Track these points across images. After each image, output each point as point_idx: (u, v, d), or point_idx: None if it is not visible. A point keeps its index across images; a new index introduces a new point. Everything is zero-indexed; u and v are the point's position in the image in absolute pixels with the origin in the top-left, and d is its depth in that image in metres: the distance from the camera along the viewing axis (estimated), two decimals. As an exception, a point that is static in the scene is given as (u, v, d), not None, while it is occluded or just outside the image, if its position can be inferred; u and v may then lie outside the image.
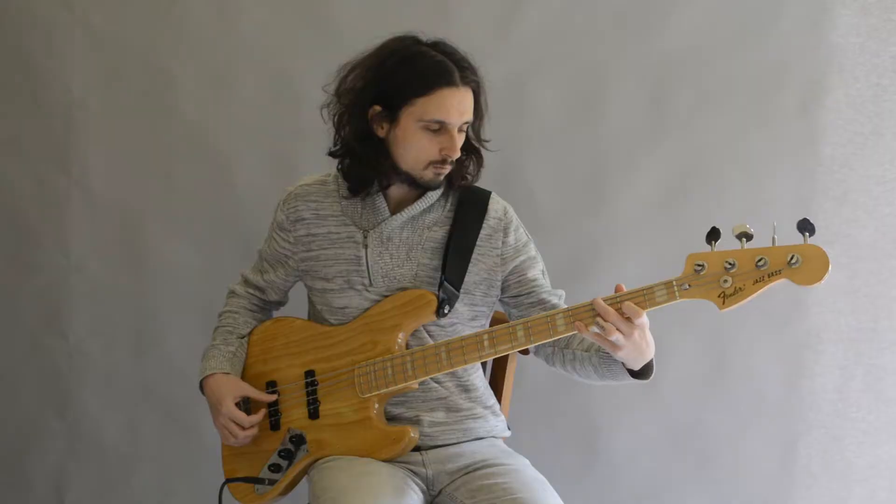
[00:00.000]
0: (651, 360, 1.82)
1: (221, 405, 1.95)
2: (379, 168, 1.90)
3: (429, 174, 1.89)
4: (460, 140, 1.88)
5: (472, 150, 1.95)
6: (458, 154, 1.88)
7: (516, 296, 1.97)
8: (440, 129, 1.84)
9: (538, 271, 1.99)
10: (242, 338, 2.05)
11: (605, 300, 1.73)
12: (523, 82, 2.64)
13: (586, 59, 2.64)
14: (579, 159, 2.66)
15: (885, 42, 2.59)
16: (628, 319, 1.71)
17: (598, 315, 1.72)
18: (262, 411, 1.97)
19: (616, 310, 1.72)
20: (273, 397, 1.97)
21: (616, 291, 1.75)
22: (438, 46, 1.87)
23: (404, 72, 1.83)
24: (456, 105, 1.83)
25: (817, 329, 2.66)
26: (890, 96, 2.60)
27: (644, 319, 1.72)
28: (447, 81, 1.82)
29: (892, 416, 2.66)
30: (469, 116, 1.87)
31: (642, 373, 1.84)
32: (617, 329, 1.71)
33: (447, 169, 1.89)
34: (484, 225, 1.95)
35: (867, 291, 2.64)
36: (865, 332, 2.65)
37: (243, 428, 1.95)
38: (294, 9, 2.66)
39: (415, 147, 1.86)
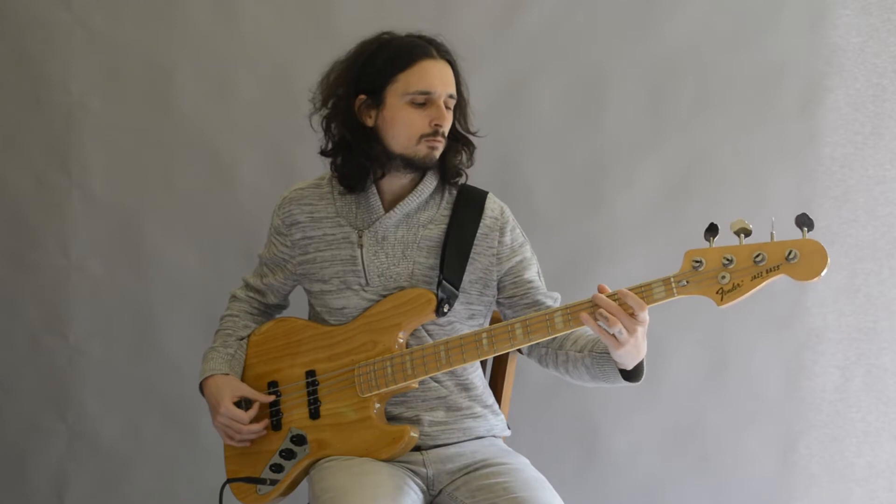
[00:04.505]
0: (642, 361, 1.82)
1: (220, 405, 1.95)
2: (372, 155, 1.90)
3: (423, 150, 1.89)
4: (448, 115, 1.90)
5: (461, 141, 1.96)
6: (448, 123, 1.90)
7: (511, 297, 1.97)
8: (426, 101, 1.86)
9: (534, 273, 1.99)
10: (241, 339, 2.05)
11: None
12: (523, 82, 2.65)
13: (586, 59, 2.64)
14: (579, 159, 2.66)
15: (885, 42, 2.59)
16: (632, 315, 1.70)
17: (601, 308, 1.71)
18: (257, 406, 1.96)
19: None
20: (271, 398, 1.97)
21: (600, 292, 1.73)
22: (410, 34, 1.93)
23: (383, 55, 1.88)
24: (438, 74, 1.87)
25: (817, 329, 2.66)
26: (890, 96, 2.60)
27: (646, 315, 1.71)
28: (425, 53, 1.87)
29: (892, 416, 2.66)
30: (452, 89, 1.89)
31: (634, 374, 1.83)
32: (621, 323, 1.70)
33: (440, 142, 1.90)
34: (480, 224, 1.95)
35: (867, 291, 2.64)
36: (865, 332, 2.65)
37: (243, 427, 1.94)
38: (294, 9, 2.66)
39: (405, 124, 1.87)
